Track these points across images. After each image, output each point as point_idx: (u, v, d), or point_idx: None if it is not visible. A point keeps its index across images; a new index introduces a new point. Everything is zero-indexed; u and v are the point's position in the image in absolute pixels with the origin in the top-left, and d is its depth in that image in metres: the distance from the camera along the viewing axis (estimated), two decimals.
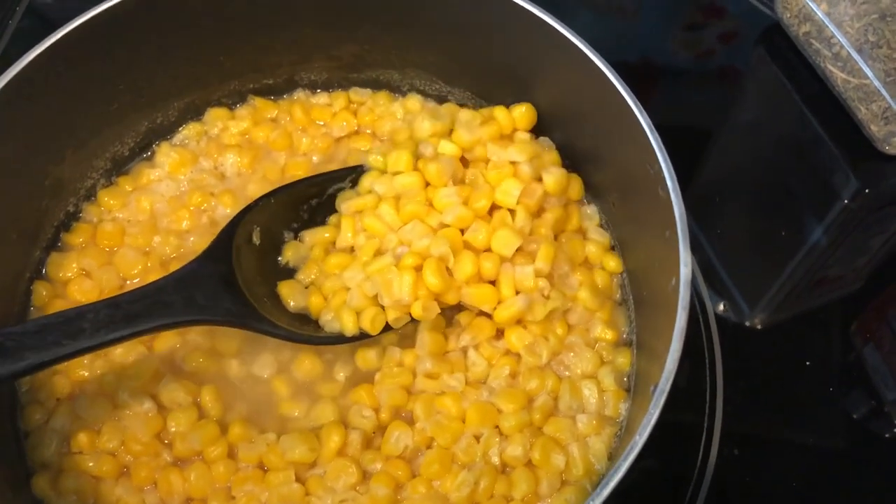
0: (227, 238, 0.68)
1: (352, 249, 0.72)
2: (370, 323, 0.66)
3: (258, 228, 0.71)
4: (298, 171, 0.79)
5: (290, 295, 0.70)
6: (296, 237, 0.74)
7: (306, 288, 0.71)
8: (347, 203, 0.73)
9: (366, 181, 0.74)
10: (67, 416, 0.66)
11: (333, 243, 0.73)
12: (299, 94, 0.84)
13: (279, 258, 0.72)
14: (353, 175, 0.75)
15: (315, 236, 0.73)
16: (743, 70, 1.04)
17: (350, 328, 0.67)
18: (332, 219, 0.74)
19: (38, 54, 0.64)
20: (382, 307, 0.67)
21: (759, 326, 0.85)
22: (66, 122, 0.71)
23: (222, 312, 0.64)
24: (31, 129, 0.67)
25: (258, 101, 0.83)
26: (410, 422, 0.66)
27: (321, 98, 0.84)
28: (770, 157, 0.97)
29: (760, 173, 0.96)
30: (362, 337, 0.68)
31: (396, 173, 0.71)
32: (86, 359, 0.67)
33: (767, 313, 0.86)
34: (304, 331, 0.68)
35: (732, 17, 1.08)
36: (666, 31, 1.07)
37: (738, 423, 0.77)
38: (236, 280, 0.66)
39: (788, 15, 0.98)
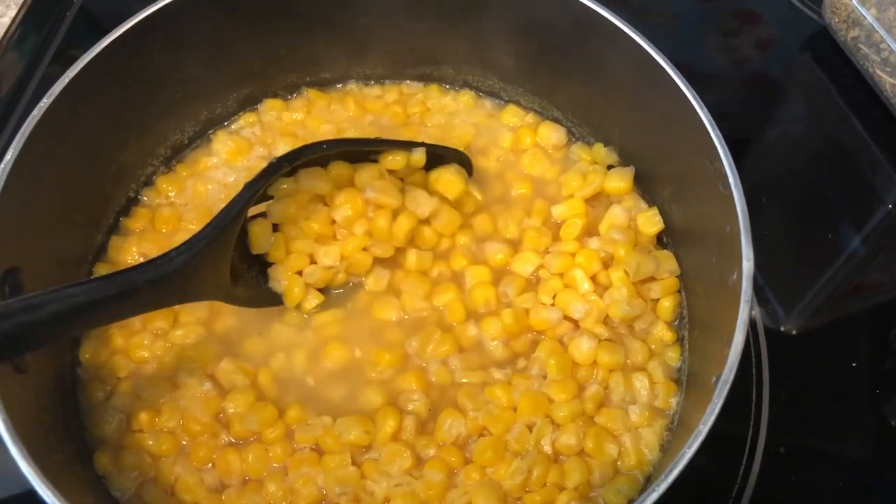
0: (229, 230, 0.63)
1: (333, 222, 0.71)
2: (306, 307, 0.70)
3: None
4: None
5: (258, 236, 0.68)
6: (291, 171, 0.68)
7: (273, 230, 0.69)
8: (373, 184, 0.69)
9: (388, 163, 0.70)
10: (128, 395, 0.67)
11: (324, 198, 0.70)
12: (352, 86, 0.85)
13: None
14: (399, 149, 0.70)
15: (310, 179, 0.69)
16: (777, 77, 1.03)
17: (292, 302, 0.70)
18: (335, 167, 0.70)
19: (106, 45, 0.66)
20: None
21: (794, 332, 0.84)
22: (131, 110, 0.73)
23: (197, 294, 0.62)
24: (100, 117, 0.69)
25: (311, 93, 0.84)
26: (463, 409, 0.67)
27: (373, 90, 0.85)
28: (812, 161, 0.97)
29: (802, 178, 0.96)
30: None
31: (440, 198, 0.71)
32: (146, 339, 0.69)
33: (804, 318, 0.85)
34: (248, 274, 0.68)
35: (770, 24, 1.08)
36: (702, 38, 1.07)
37: (783, 428, 0.76)
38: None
39: (836, 20, 0.98)
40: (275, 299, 0.70)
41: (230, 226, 0.63)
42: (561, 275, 0.72)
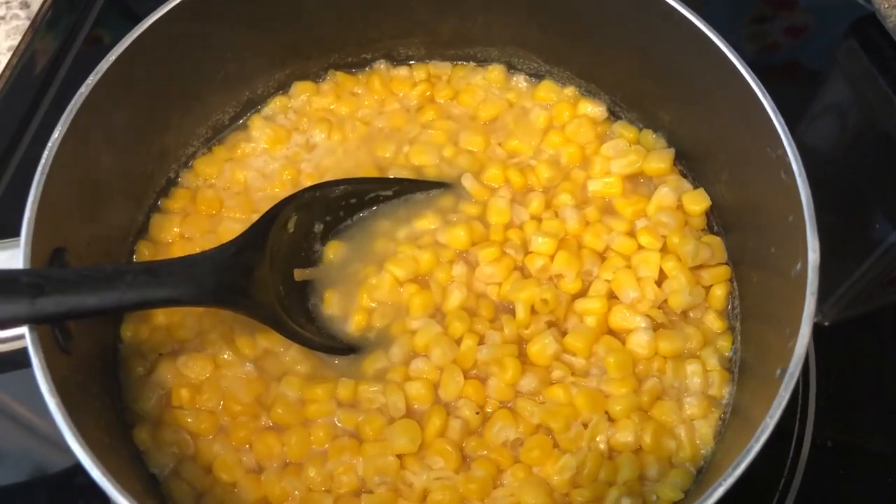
0: (266, 225, 0.67)
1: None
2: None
3: (295, 217, 0.70)
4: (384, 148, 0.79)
5: (332, 303, 0.71)
6: (326, 233, 0.73)
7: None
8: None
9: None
10: (169, 371, 0.67)
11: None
12: (379, 66, 0.83)
13: (312, 251, 0.72)
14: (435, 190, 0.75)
15: (401, 268, 0.71)
16: (820, 63, 1.00)
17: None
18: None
19: (153, 22, 0.65)
20: None
21: (826, 323, 0.83)
22: (175, 89, 0.72)
23: (249, 305, 0.63)
24: (146, 96, 0.69)
25: (340, 76, 0.82)
26: (514, 411, 0.65)
27: (401, 71, 0.83)
28: (855, 151, 0.94)
29: (844, 167, 0.93)
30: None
31: None
32: (189, 318, 0.68)
33: (837, 310, 0.84)
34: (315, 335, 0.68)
35: (813, 8, 1.05)
36: (740, 22, 1.04)
37: (829, 423, 0.75)
38: (267, 273, 0.65)
39: (886, 5, 0.96)
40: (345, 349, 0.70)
41: (262, 238, 0.66)
42: (627, 256, 0.70)
